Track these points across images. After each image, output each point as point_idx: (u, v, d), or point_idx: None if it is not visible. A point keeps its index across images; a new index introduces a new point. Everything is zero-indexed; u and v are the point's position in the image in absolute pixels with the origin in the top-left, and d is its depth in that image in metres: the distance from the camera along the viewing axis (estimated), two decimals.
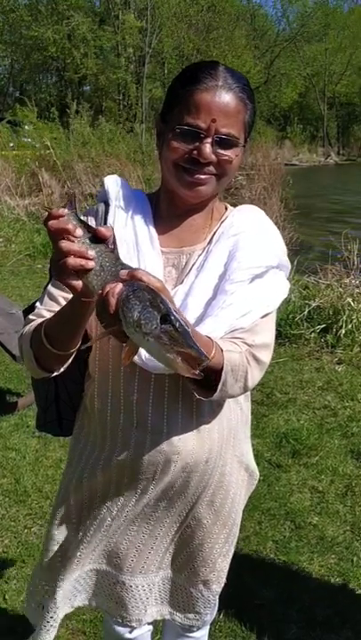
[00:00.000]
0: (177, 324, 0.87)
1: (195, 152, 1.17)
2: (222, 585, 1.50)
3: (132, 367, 1.24)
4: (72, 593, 1.45)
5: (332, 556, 2.62)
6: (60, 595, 1.42)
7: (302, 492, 3.07)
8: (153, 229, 1.26)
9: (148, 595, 1.43)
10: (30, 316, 1.29)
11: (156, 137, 1.28)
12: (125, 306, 0.88)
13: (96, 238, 0.95)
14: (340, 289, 5.35)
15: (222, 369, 1.14)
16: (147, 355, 1.19)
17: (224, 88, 1.16)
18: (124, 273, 0.92)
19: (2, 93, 40.06)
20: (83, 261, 0.93)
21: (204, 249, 1.28)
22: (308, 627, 2.25)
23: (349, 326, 4.95)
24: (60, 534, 1.44)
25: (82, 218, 0.98)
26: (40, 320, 1.23)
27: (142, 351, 1.19)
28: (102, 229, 0.95)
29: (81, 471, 1.39)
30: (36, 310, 1.29)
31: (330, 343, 4.90)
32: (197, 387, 1.18)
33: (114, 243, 0.96)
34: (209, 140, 1.16)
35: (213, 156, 1.17)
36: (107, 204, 1.30)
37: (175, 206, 1.28)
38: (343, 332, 4.92)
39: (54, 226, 0.94)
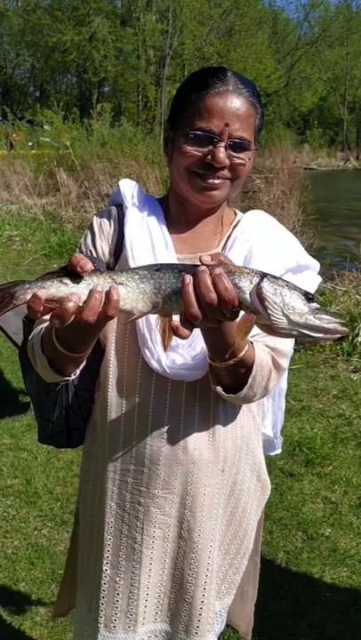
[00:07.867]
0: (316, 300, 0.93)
1: (208, 157, 1.17)
2: (233, 597, 1.47)
3: (149, 375, 1.22)
4: None
5: (345, 569, 2.57)
6: None
7: (315, 502, 3.03)
8: (167, 234, 1.26)
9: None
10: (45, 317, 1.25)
11: (165, 143, 1.28)
12: (265, 293, 0.89)
13: (74, 272, 0.92)
14: (358, 296, 5.29)
15: (254, 362, 1.13)
16: (168, 362, 1.17)
17: (235, 92, 1.16)
18: (207, 259, 0.93)
19: (22, 93, 40.43)
20: (65, 299, 0.90)
21: None
22: None
23: None
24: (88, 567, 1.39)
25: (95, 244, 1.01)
26: (46, 324, 1.17)
27: (163, 358, 1.18)
28: (73, 259, 0.92)
29: (95, 490, 1.35)
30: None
31: (346, 351, 4.84)
32: (222, 386, 1.16)
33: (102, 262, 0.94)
34: (223, 144, 1.16)
35: (227, 160, 1.17)
36: (119, 208, 1.31)
37: (186, 212, 1.28)
38: (360, 339, 4.85)
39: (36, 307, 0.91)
